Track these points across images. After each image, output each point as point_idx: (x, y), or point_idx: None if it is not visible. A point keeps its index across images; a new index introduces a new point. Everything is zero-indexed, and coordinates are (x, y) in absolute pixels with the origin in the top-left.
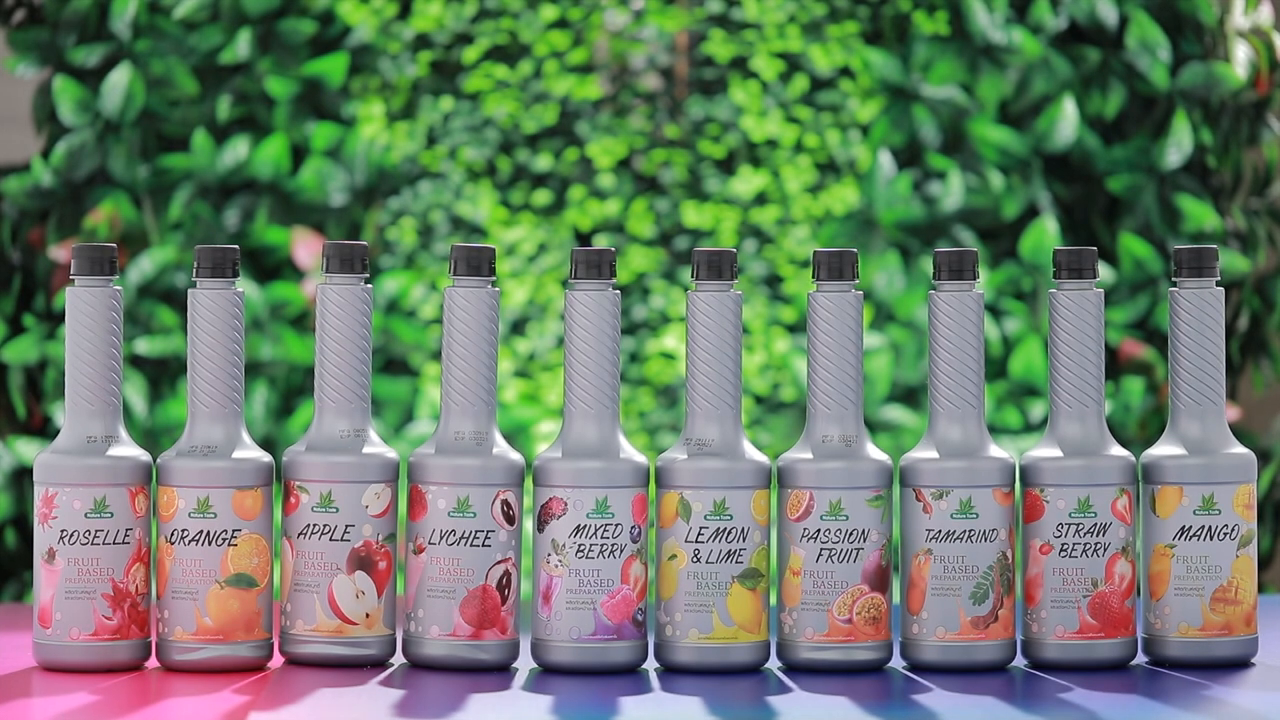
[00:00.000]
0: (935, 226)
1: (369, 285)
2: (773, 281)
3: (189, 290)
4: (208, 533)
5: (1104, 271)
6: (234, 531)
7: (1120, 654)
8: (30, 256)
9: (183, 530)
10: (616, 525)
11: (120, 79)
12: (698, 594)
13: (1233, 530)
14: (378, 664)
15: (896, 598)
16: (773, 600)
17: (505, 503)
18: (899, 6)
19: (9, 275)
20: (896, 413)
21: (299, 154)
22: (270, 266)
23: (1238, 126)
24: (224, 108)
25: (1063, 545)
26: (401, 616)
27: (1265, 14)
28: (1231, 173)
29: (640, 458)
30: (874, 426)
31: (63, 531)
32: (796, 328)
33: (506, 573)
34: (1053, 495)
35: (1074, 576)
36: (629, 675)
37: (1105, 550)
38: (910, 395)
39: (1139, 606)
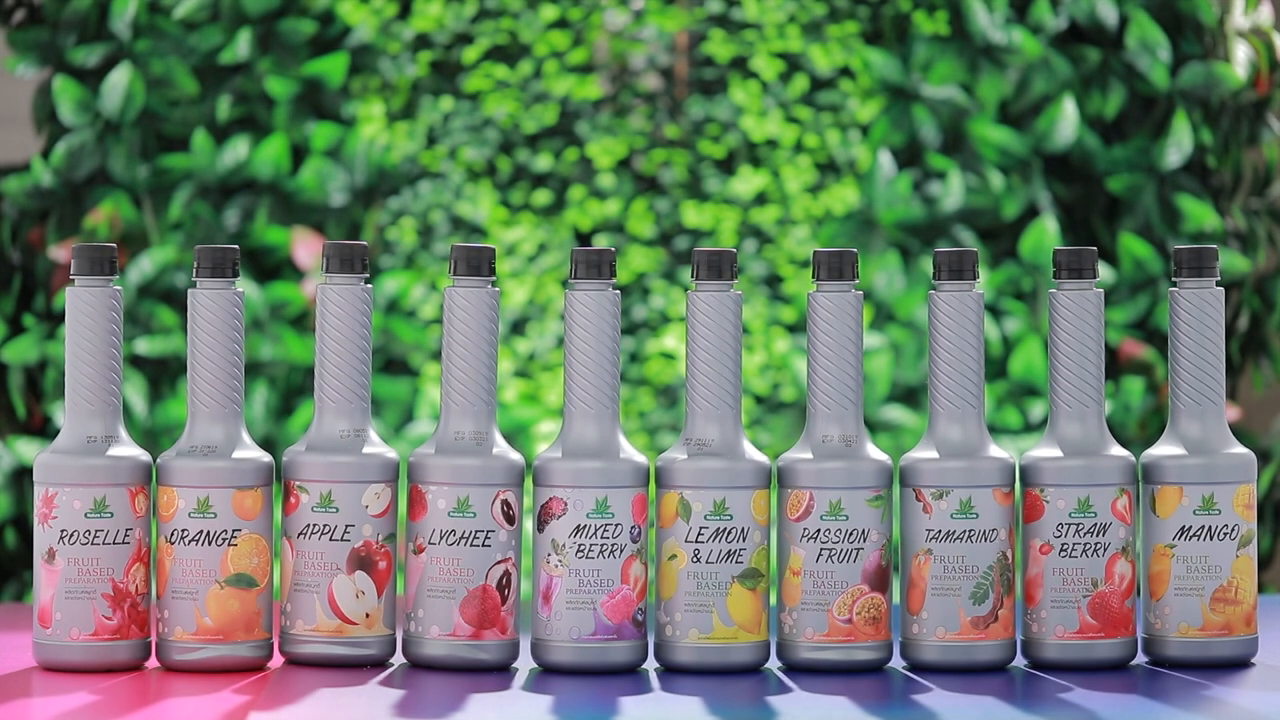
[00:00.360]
0: (935, 226)
1: (369, 285)
2: (773, 281)
3: (189, 290)
4: (208, 533)
5: (1104, 271)
6: (234, 531)
7: (1120, 654)
8: (30, 256)
9: (183, 530)
10: (616, 525)
11: (120, 79)
12: (698, 594)
13: (1233, 530)
14: (378, 664)
15: (896, 598)
16: (773, 600)
17: (505, 503)
18: (899, 6)
19: (9, 275)
20: (896, 413)
21: (299, 154)
22: (270, 266)
23: (1238, 126)
24: (224, 108)
25: (1063, 545)
26: (401, 616)
27: (1265, 14)
28: (1231, 173)
29: (640, 458)
30: (874, 426)
31: (63, 531)
32: (796, 328)
33: (506, 573)
34: (1053, 495)
35: (1074, 576)
36: (629, 675)
37: (1105, 550)
38: (910, 395)
39: (1139, 606)
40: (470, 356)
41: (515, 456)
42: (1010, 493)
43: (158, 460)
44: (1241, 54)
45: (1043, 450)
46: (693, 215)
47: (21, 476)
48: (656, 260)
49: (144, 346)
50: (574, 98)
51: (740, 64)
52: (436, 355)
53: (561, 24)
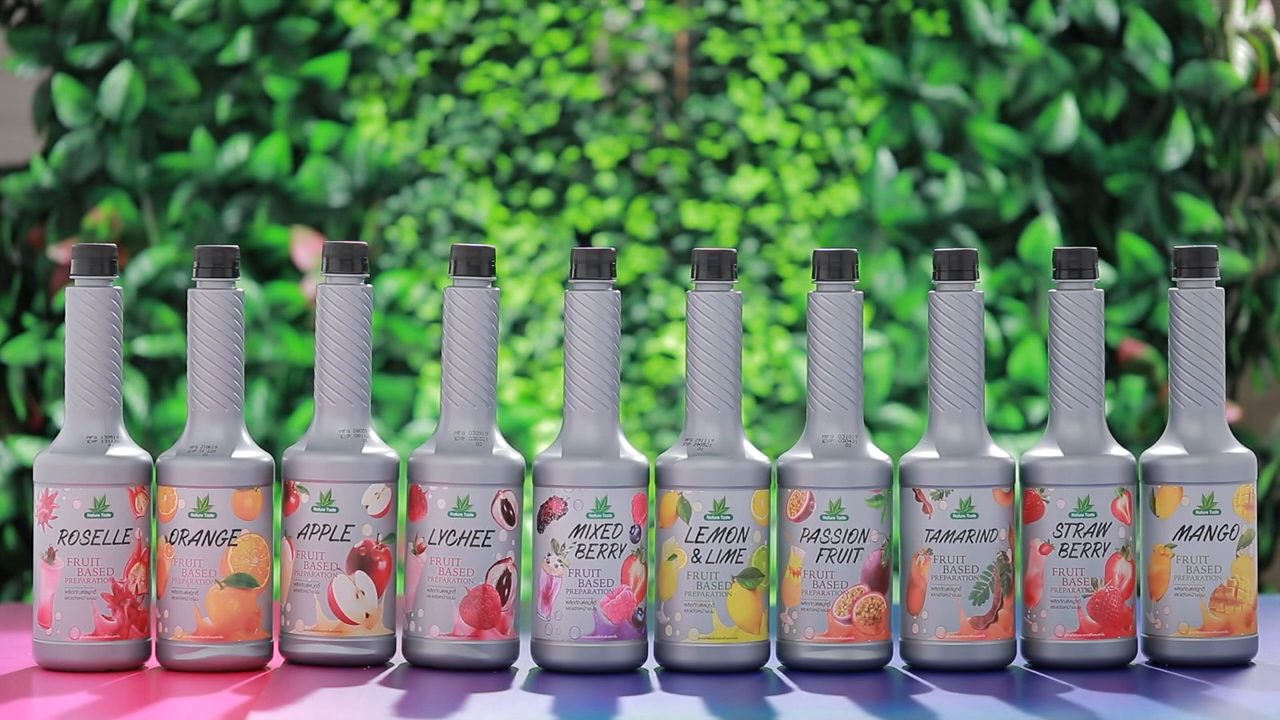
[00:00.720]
0: (935, 226)
1: (369, 285)
2: (773, 281)
3: (189, 290)
4: (208, 533)
5: (1104, 271)
6: (234, 531)
7: (1120, 654)
8: (30, 256)
9: (183, 530)
10: (616, 525)
11: (120, 79)
12: (698, 594)
13: (1233, 530)
14: (378, 664)
15: (896, 598)
16: (773, 600)
17: (505, 503)
18: (899, 6)
19: (9, 275)
20: (896, 413)
21: (299, 154)
22: (270, 266)
23: (1238, 126)
24: (224, 108)
25: (1063, 545)
26: (401, 616)
27: (1265, 14)
28: (1231, 173)
29: (640, 458)
30: (874, 426)
31: (63, 531)
32: (796, 328)
33: (506, 573)
34: (1053, 495)
35: (1074, 576)
36: (629, 675)
37: (1105, 550)
38: (910, 395)
39: (1139, 606)
40: (470, 356)
41: (515, 456)
42: (1010, 493)
43: (158, 460)
44: (1241, 54)
45: (1043, 450)
46: (693, 215)
47: (21, 476)
48: (656, 260)
49: (144, 346)
50: (574, 98)
51: (740, 64)
52: (436, 355)
53: (561, 24)
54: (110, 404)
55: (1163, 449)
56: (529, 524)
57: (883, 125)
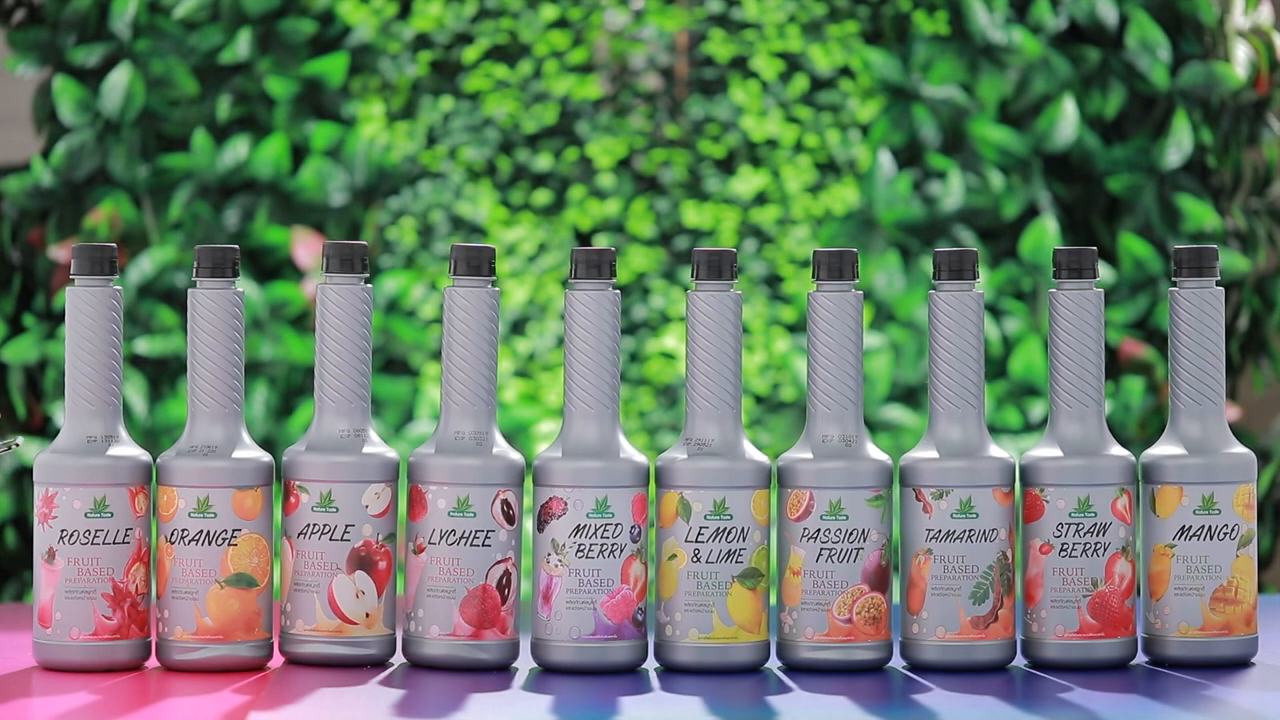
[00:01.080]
0: (935, 226)
1: (369, 285)
2: (773, 281)
3: (189, 290)
4: (208, 533)
5: (1104, 271)
6: (234, 531)
7: (1120, 654)
8: (30, 256)
9: (183, 530)
10: (616, 525)
11: (120, 79)
12: (698, 594)
13: (1233, 530)
14: (378, 664)
15: (896, 598)
16: (773, 600)
17: (505, 502)
18: (899, 6)
19: (9, 275)
20: (896, 413)
21: (299, 154)
22: (270, 266)
23: (1238, 126)
24: (224, 108)
25: (1063, 545)
26: (401, 616)
27: (1265, 14)
28: (1231, 173)
29: (640, 457)
30: (874, 426)
31: (63, 531)
32: (796, 328)
33: (506, 572)
34: (1053, 495)
35: (1074, 576)
36: (629, 675)
37: (1105, 550)
38: (910, 395)
39: (1139, 606)
40: (470, 356)
41: (515, 456)
42: (1010, 493)
43: (158, 460)
44: (1241, 54)
45: (1043, 450)
46: (693, 215)
47: (21, 476)
48: (656, 260)
49: (144, 346)
50: (574, 98)
51: (740, 64)
52: (436, 355)
53: (561, 24)
54: (110, 404)
55: (1163, 449)
56: (529, 524)
57: (883, 125)
